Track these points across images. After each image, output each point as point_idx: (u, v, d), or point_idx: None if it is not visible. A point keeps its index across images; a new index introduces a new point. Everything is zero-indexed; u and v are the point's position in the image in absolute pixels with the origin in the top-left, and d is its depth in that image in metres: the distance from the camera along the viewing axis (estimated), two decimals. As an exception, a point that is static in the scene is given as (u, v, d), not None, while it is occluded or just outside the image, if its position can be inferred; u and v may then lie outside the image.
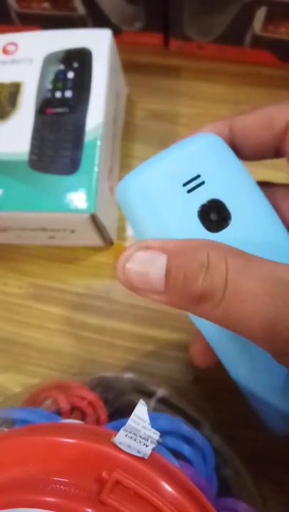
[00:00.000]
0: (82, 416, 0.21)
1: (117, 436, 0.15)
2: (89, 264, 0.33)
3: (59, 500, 0.13)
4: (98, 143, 0.29)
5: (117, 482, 0.14)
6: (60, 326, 0.32)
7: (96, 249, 0.33)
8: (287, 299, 0.14)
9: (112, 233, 0.32)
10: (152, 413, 0.20)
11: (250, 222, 0.19)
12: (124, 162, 0.35)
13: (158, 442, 0.15)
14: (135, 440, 0.15)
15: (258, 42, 0.34)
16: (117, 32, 0.34)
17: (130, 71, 0.36)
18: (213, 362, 0.22)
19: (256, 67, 0.37)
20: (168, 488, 0.14)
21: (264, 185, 0.21)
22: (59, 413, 0.21)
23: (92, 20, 0.35)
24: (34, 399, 0.23)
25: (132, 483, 0.14)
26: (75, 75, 0.30)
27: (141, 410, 0.16)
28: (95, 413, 0.21)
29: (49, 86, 0.30)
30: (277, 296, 0.14)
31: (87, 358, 0.31)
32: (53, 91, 0.30)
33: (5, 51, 0.32)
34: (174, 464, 0.16)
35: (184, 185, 0.18)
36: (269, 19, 0.32)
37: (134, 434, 0.15)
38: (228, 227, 0.19)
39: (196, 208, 0.18)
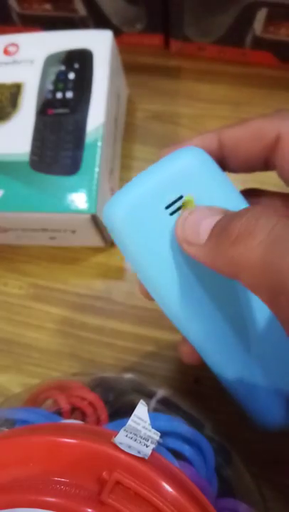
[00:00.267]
0: (83, 416, 0.21)
1: (117, 436, 0.15)
2: (89, 264, 0.33)
3: (59, 501, 0.13)
4: (99, 143, 0.29)
5: (118, 482, 0.14)
6: (61, 326, 0.32)
7: (97, 250, 0.33)
8: None
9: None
10: (152, 413, 0.20)
11: None
12: (124, 163, 0.35)
13: (158, 443, 0.15)
14: (135, 440, 0.15)
15: (259, 43, 0.34)
16: (117, 33, 0.34)
17: (131, 72, 0.36)
18: (201, 360, 0.22)
19: (257, 68, 0.37)
20: (168, 488, 0.14)
21: (250, 194, 0.21)
22: (59, 413, 0.21)
23: (93, 22, 0.35)
24: (35, 399, 0.23)
25: (133, 484, 0.14)
26: (76, 76, 0.30)
27: (141, 411, 0.16)
28: (96, 413, 0.21)
29: (50, 87, 0.30)
30: None
31: (87, 359, 0.31)
32: (53, 92, 0.30)
33: (6, 52, 0.32)
34: (174, 464, 0.16)
35: (167, 207, 0.18)
36: (269, 20, 0.32)
37: (135, 435, 0.15)
38: None
39: None
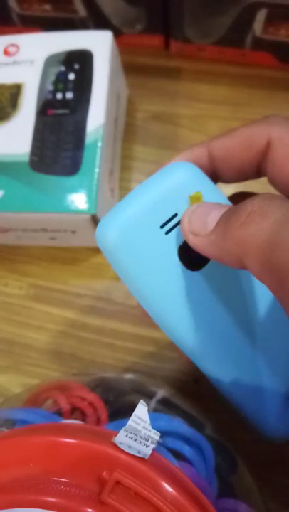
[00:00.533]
0: (83, 416, 0.21)
1: (117, 436, 0.15)
2: (90, 265, 0.33)
3: (60, 501, 0.13)
4: (99, 144, 0.29)
5: (118, 482, 0.14)
6: (61, 326, 0.32)
7: (97, 250, 0.33)
8: None
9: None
10: (153, 414, 0.20)
11: None
12: (124, 163, 0.35)
13: (158, 443, 0.15)
14: (135, 440, 0.15)
15: (259, 44, 0.34)
16: (117, 34, 0.34)
17: (131, 73, 0.36)
18: None
19: (256, 68, 0.37)
20: (168, 488, 0.14)
21: (240, 198, 0.21)
22: (59, 414, 0.21)
23: (93, 22, 0.36)
24: (35, 399, 0.23)
25: (133, 484, 0.14)
26: (76, 77, 0.30)
27: (141, 411, 0.16)
28: (96, 413, 0.21)
29: (50, 87, 0.30)
30: None
31: (87, 359, 0.31)
32: (54, 92, 0.30)
33: (6, 53, 0.32)
34: (174, 464, 0.16)
35: (162, 226, 0.18)
36: (269, 21, 0.32)
37: (135, 435, 0.15)
38: (209, 264, 0.19)
39: (176, 248, 0.18)
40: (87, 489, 0.14)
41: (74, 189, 0.28)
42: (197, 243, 0.17)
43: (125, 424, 0.15)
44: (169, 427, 0.19)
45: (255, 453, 0.23)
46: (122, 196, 0.34)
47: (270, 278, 0.14)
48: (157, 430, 0.15)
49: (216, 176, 0.21)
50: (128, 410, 0.16)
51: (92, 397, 0.21)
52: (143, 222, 0.18)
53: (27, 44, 0.32)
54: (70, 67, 0.31)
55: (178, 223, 0.18)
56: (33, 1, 0.34)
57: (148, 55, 0.38)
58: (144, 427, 0.15)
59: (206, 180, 0.19)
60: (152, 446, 0.15)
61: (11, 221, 0.29)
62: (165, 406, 0.22)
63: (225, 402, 0.21)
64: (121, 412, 0.21)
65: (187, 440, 0.19)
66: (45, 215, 0.28)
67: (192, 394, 0.24)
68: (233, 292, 0.19)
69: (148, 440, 0.15)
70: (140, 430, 0.15)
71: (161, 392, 0.23)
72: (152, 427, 0.15)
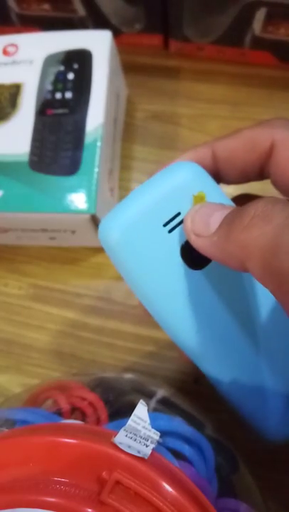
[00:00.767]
0: (83, 416, 0.21)
1: (117, 436, 0.15)
2: (89, 264, 0.33)
3: (59, 501, 0.13)
4: (98, 144, 0.29)
5: (117, 482, 0.14)
6: (61, 326, 0.32)
7: (96, 250, 0.33)
8: None
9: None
10: (152, 413, 0.20)
11: None
12: (124, 163, 0.35)
13: (158, 442, 0.15)
14: (135, 440, 0.15)
15: (258, 43, 0.34)
16: (116, 33, 0.34)
17: (130, 72, 0.36)
18: None
19: (256, 68, 0.37)
20: (168, 488, 0.14)
21: (243, 199, 0.21)
22: (59, 414, 0.21)
23: (92, 22, 0.35)
24: (35, 399, 0.23)
25: (132, 484, 0.14)
26: (75, 76, 0.30)
27: (141, 410, 0.16)
28: (96, 413, 0.21)
29: (49, 87, 0.30)
30: None
31: (87, 359, 0.31)
32: (53, 92, 0.30)
33: (5, 52, 0.32)
34: (174, 464, 0.16)
35: (165, 225, 0.18)
36: (269, 20, 0.32)
37: (135, 435, 0.15)
38: (212, 263, 0.19)
39: (178, 247, 0.18)
40: (87, 489, 0.14)
41: (73, 189, 0.28)
42: (199, 244, 0.17)
43: (125, 424, 0.15)
44: (169, 427, 0.19)
45: (256, 452, 0.23)
46: (121, 196, 0.34)
47: (271, 281, 0.14)
48: (157, 430, 0.15)
49: (218, 176, 0.21)
50: (128, 410, 0.16)
51: (92, 397, 0.21)
52: (146, 220, 0.18)
53: (26, 44, 0.32)
54: (69, 67, 0.31)
55: (181, 222, 0.18)
56: (32, 0, 0.34)
57: (147, 54, 0.38)
58: (143, 427, 0.15)
59: (210, 181, 0.19)
60: (152, 446, 0.15)
61: (10, 221, 0.29)
62: (165, 406, 0.22)
63: (224, 402, 0.21)
64: (121, 411, 0.21)
65: (187, 440, 0.19)
66: (45, 215, 0.28)
67: (192, 393, 0.24)
68: (235, 292, 0.19)
69: (148, 440, 0.15)
70: (140, 430, 0.15)
71: (161, 392, 0.23)
72: (152, 427, 0.15)
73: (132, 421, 0.15)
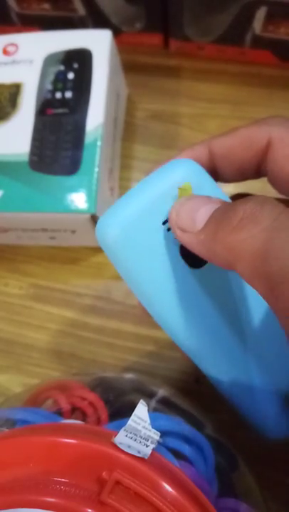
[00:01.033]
0: (83, 416, 0.21)
1: (117, 436, 0.15)
2: (90, 264, 0.33)
3: (59, 501, 0.13)
4: (98, 143, 0.29)
5: (117, 482, 0.14)
6: (61, 326, 0.32)
7: (97, 250, 0.33)
8: None
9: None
10: (153, 413, 0.20)
11: None
12: (124, 162, 0.35)
13: (158, 442, 0.15)
14: (135, 440, 0.15)
15: (258, 42, 0.34)
16: (117, 32, 0.34)
17: (130, 71, 0.36)
18: None
19: (256, 67, 0.37)
20: (168, 488, 0.14)
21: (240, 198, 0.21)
22: (60, 413, 0.21)
23: (92, 21, 0.35)
24: (35, 399, 0.23)
25: (132, 484, 0.14)
26: (75, 76, 0.30)
27: (141, 410, 0.16)
28: (96, 413, 0.21)
29: (49, 87, 0.30)
30: None
31: (87, 359, 0.31)
32: (53, 92, 0.30)
33: (5, 52, 0.32)
34: (174, 464, 0.16)
35: (164, 223, 0.18)
36: (269, 19, 0.32)
37: (135, 435, 0.15)
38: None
39: (177, 245, 0.18)
40: (87, 489, 0.14)
41: (74, 189, 0.28)
42: (185, 239, 0.17)
43: (125, 424, 0.15)
44: (169, 427, 0.19)
45: (256, 452, 0.23)
46: (121, 195, 0.34)
47: (260, 285, 0.14)
48: (157, 430, 0.15)
49: (215, 174, 0.21)
50: (128, 410, 0.16)
51: (92, 396, 0.21)
52: (144, 218, 0.18)
53: (26, 43, 0.32)
54: (69, 67, 0.31)
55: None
56: (32, 0, 0.34)
57: (147, 53, 0.38)
58: (144, 427, 0.15)
59: (207, 177, 0.19)
60: (152, 446, 0.15)
61: (10, 221, 0.29)
62: (165, 405, 0.22)
63: (224, 401, 0.21)
64: (121, 411, 0.21)
65: (187, 440, 0.19)
66: (45, 215, 0.28)
67: (192, 393, 0.24)
68: (236, 291, 0.19)
69: (148, 440, 0.15)
70: (140, 430, 0.15)
71: (161, 392, 0.22)
72: (152, 427, 0.15)
73: (132, 421, 0.15)
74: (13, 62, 0.31)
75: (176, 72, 0.38)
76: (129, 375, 0.26)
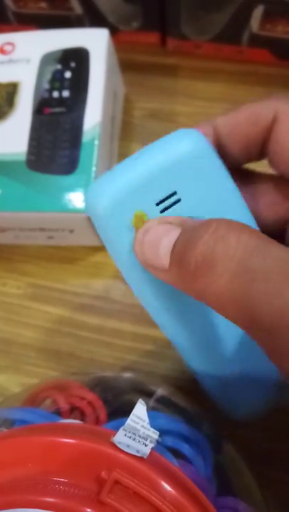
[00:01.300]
0: (82, 416, 0.21)
1: (116, 435, 0.15)
2: (88, 264, 0.33)
3: (58, 501, 0.13)
4: (96, 142, 0.29)
5: (116, 482, 0.14)
6: (59, 326, 0.32)
7: (95, 249, 0.33)
8: None
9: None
10: (151, 412, 0.20)
11: None
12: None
13: (157, 442, 0.15)
14: (134, 440, 0.15)
15: (256, 40, 0.34)
16: (114, 31, 0.34)
17: (127, 70, 0.36)
18: None
19: (254, 65, 0.37)
20: (167, 487, 0.14)
21: (244, 177, 0.20)
22: (58, 413, 0.21)
23: (89, 20, 0.35)
24: (33, 399, 0.23)
25: (132, 483, 0.14)
26: (73, 75, 0.30)
27: (140, 410, 0.16)
28: (95, 413, 0.21)
29: (46, 86, 0.30)
30: None
31: (86, 358, 0.31)
32: (50, 91, 0.30)
33: (2, 51, 0.32)
34: (173, 463, 0.16)
35: (158, 204, 0.17)
36: (266, 18, 0.32)
37: (134, 434, 0.15)
38: None
39: None
40: (86, 489, 0.14)
41: (71, 188, 0.28)
42: (159, 276, 0.16)
43: (124, 424, 0.15)
44: (168, 426, 0.19)
45: (255, 451, 0.23)
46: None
47: (240, 326, 0.14)
48: (156, 429, 0.15)
49: (223, 155, 0.20)
50: (127, 409, 0.16)
51: (91, 396, 0.21)
52: (138, 194, 0.17)
53: (23, 42, 0.32)
54: (66, 66, 0.31)
55: (174, 203, 0.17)
56: (28, -2, 0.34)
57: (145, 52, 0.38)
58: (142, 426, 0.15)
59: (212, 154, 0.18)
60: (151, 445, 0.15)
61: (8, 220, 0.29)
62: (164, 405, 0.22)
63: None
64: (120, 411, 0.21)
65: (186, 439, 0.19)
66: (43, 215, 0.28)
67: (191, 392, 0.24)
68: None
69: (147, 439, 0.15)
70: (139, 429, 0.15)
71: (160, 391, 0.22)
72: (151, 426, 0.15)
73: (131, 420, 0.15)
74: (10, 61, 0.31)
75: (173, 71, 0.37)
76: (127, 375, 0.26)
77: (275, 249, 0.13)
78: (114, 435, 0.15)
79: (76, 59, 0.31)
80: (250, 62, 0.37)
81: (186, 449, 0.19)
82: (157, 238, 0.16)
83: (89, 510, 0.13)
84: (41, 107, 0.30)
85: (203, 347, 0.20)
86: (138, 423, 0.15)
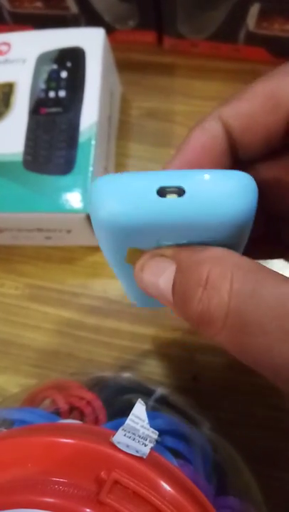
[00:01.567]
0: (81, 416, 0.21)
1: (115, 435, 0.15)
2: (86, 264, 0.33)
3: (58, 501, 0.13)
4: (93, 142, 0.28)
5: (116, 482, 0.14)
6: (58, 326, 0.32)
7: (93, 249, 0.33)
8: None
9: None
10: (151, 412, 0.20)
11: None
12: (119, 161, 0.35)
13: (157, 441, 0.15)
14: (134, 440, 0.15)
15: (252, 38, 0.34)
16: (110, 30, 0.34)
17: (124, 69, 0.36)
18: None
19: (250, 63, 0.37)
20: (167, 487, 0.14)
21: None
22: (58, 413, 0.21)
23: (85, 19, 0.35)
24: (33, 399, 0.23)
25: (131, 483, 0.14)
26: (69, 75, 0.30)
27: (139, 409, 0.16)
28: (94, 413, 0.21)
29: (43, 86, 0.30)
30: None
31: (84, 358, 0.31)
32: (46, 91, 0.30)
33: (-2, 51, 0.32)
34: (172, 463, 0.16)
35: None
36: (262, 16, 0.32)
37: (133, 434, 0.15)
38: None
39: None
40: (86, 489, 0.14)
41: (68, 188, 0.28)
42: (163, 303, 0.16)
43: (123, 424, 0.15)
44: (168, 426, 0.19)
45: (254, 450, 0.23)
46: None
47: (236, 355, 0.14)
48: (155, 429, 0.15)
49: (235, 152, 0.17)
50: (126, 409, 0.16)
51: (90, 396, 0.21)
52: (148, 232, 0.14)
53: (19, 42, 0.32)
54: (62, 65, 0.30)
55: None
56: (24, -2, 0.34)
57: (141, 51, 0.38)
58: (142, 426, 0.15)
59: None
60: (150, 445, 0.15)
61: (5, 221, 0.29)
62: (163, 404, 0.22)
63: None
64: (119, 411, 0.21)
65: (185, 438, 0.19)
66: (40, 215, 0.28)
67: (190, 391, 0.24)
68: None
69: (146, 439, 0.15)
70: (138, 429, 0.15)
71: (159, 391, 0.23)
72: (150, 426, 0.15)
73: (130, 420, 0.15)
74: (6, 61, 0.31)
75: (170, 70, 0.37)
76: (126, 374, 0.26)
77: (269, 289, 0.12)
78: (114, 435, 0.15)
79: (72, 59, 0.31)
80: (246, 61, 0.37)
81: (185, 448, 0.19)
82: (154, 277, 0.15)
83: (88, 510, 0.13)
84: (37, 107, 0.30)
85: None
86: (137, 423, 0.15)
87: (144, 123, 0.36)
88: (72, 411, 0.21)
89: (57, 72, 0.30)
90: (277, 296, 0.12)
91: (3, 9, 0.35)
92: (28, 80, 0.30)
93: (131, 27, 0.36)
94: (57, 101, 0.30)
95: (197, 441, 0.19)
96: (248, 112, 0.16)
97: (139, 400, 0.16)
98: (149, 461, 0.15)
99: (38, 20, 0.36)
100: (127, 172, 0.14)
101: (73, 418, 0.21)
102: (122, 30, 0.36)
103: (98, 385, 0.23)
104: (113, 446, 0.15)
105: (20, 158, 0.29)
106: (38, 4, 0.34)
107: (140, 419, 0.15)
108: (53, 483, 0.14)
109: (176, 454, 0.18)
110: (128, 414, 0.15)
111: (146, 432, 0.15)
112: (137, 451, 0.15)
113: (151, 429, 0.15)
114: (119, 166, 0.35)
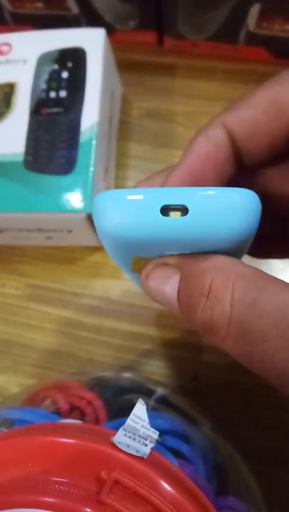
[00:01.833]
0: (82, 416, 0.21)
1: (116, 435, 0.15)
2: (87, 264, 0.33)
3: (58, 501, 0.13)
4: (93, 142, 0.28)
5: (116, 482, 0.14)
6: (58, 326, 0.32)
7: (93, 249, 0.33)
8: None
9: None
10: (151, 412, 0.20)
11: None
12: (119, 161, 0.35)
13: (157, 441, 0.15)
14: (134, 439, 0.15)
15: (252, 39, 0.34)
16: (111, 31, 0.34)
17: (125, 70, 0.36)
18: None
19: (251, 64, 0.37)
20: (167, 487, 0.14)
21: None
22: (58, 413, 0.21)
23: (85, 20, 0.35)
24: (33, 399, 0.23)
25: (131, 483, 0.14)
26: (70, 75, 0.30)
27: (140, 409, 0.16)
28: (94, 413, 0.21)
29: (43, 86, 0.30)
30: None
31: (85, 358, 0.31)
32: (47, 91, 0.30)
33: (-1, 52, 0.32)
34: (173, 463, 0.16)
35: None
36: (263, 16, 0.32)
37: (133, 434, 0.15)
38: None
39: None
40: (86, 489, 0.14)
41: (69, 188, 0.28)
42: (170, 309, 0.16)
43: (124, 423, 0.15)
44: (168, 426, 0.19)
45: (254, 450, 0.23)
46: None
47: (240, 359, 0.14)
48: (156, 429, 0.15)
49: (239, 158, 0.17)
50: (127, 409, 0.16)
51: (90, 396, 0.21)
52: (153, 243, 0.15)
53: (20, 43, 0.32)
54: (63, 66, 0.30)
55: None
56: (25, -1, 0.34)
57: (142, 51, 0.38)
58: (142, 426, 0.15)
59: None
60: (151, 445, 0.15)
61: (6, 221, 0.29)
62: (164, 404, 0.22)
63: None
64: (120, 411, 0.21)
65: (186, 438, 0.19)
66: (41, 215, 0.28)
67: (191, 391, 0.24)
68: None
69: (147, 439, 0.15)
70: (139, 429, 0.15)
71: (159, 391, 0.23)
72: (151, 426, 0.15)
73: (130, 420, 0.15)
74: (7, 61, 0.31)
75: (170, 70, 0.37)
76: (127, 374, 0.26)
77: (270, 297, 0.13)
78: (114, 435, 0.15)
79: (73, 59, 0.31)
80: (247, 61, 0.37)
81: (185, 448, 0.19)
82: (160, 285, 0.15)
83: (89, 510, 0.13)
84: (38, 107, 0.30)
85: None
86: (138, 423, 0.15)
87: (144, 123, 0.36)
88: (73, 411, 0.21)
89: (58, 73, 0.30)
90: (277, 304, 0.13)
91: (4, 10, 0.35)
92: (29, 80, 0.30)
93: (132, 27, 0.36)
94: (58, 101, 0.30)
95: (197, 441, 0.19)
96: (251, 119, 0.16)
97: (140, 399, 0.16)
98: (149, 461, 0.15)
99: (38, 21, 0.36)
100: (131, 189, 0.14)
101: (74, 418, 0.21)
102: (122, 30, 0.36)
103: (99, 385, 0.23)
104: (114, 446, 0.15)
105: (21, 158, 0.29)
106: (39, 5, 0.34)
107: (141, 419, 0.15)
108: (53, 483, 0.14)
109: (176, 453, 0.18)
110: (128, 414, 0.15)
111: (147, 432, 0.15)
112: (138, 451, 0.15)
113: (152, 429, 0.15)
114: (120, 166, 0.35)
